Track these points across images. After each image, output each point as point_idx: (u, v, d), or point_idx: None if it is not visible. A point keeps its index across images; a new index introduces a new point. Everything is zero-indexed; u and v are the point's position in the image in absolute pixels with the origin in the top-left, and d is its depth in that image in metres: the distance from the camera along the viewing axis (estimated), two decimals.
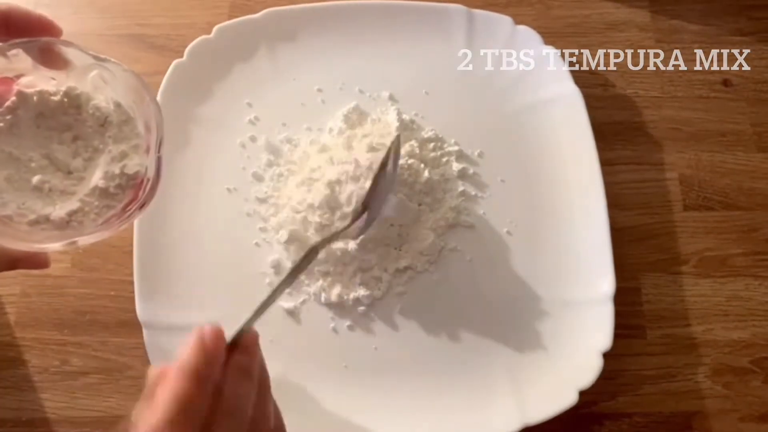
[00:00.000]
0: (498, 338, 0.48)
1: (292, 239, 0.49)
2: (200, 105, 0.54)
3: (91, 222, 0.34)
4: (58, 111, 0.35)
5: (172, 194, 0.51)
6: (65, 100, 0.35)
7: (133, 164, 0.35)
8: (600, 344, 0.46)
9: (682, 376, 0.48)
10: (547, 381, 0.46)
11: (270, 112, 0.54)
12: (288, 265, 0.49)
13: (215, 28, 0.55)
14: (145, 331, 0.46)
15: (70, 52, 0.33)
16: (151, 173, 0.34)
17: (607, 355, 0.45)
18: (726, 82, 0.57)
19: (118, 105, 0.35)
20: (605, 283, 0.47)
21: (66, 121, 0.35)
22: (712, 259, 0.51)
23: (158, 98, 0.52)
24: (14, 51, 0.32)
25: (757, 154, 0.55)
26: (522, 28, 0.55)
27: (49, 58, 0.33)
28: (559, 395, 0.45)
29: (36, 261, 0.33)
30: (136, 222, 0.48)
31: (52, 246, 0.32)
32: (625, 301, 0.49)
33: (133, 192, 0.35)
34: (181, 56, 0.54)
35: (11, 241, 0.31)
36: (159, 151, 0.34)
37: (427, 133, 0.53)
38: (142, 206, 0.34)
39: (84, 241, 0.33)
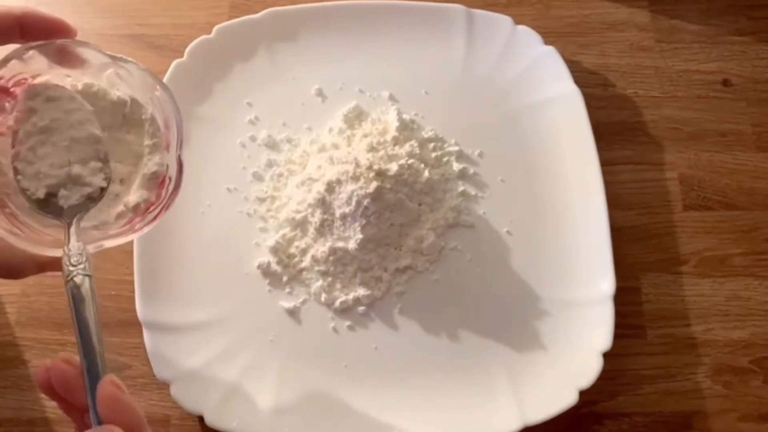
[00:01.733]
0: (498, 338, 0.48)
1: (276, 249, 0.49)
2: (200, 105, 0.54)
3: (114, 222, 0.34)
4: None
5: None
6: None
7: (152, 163, 0.35)
8: (600, 344, 0.46)
9: (682, 376, 0.48)
10: (547, 381, 0.46)
11: (270, 111, 0.54)
12: (276, 268, 0.49)
13: (215, 28, 0.55)
14: (145, 331, 0.46)
15: (86, 52, 0.33)
16: (172, 172, 0.34)
17: (607, 355, 0.45)
18: (726, 82, 0.57)
19: (135, 101, 0.35)
20: (605, 282, 0.47)
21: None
22: (712, 259, 0.51)
23: None
24: (30, 53, 0.32)
25: (757, 154, 0.55)
26: (522, 28, 0.55)
27: (66, 58, 0.33)
28: (559, 395, 0.45)
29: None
30: None
31: None
32: (625, 300, 0.49)
33: (155, 191, 0.35)
34: (181, 56, 0.54)
35: (36, 247, 0.31)
36: (180, 151, 0.34)
37: (427, 133, 0.53)
38: (166, 207, 0.33)
39: (110, 243, 0.32)
